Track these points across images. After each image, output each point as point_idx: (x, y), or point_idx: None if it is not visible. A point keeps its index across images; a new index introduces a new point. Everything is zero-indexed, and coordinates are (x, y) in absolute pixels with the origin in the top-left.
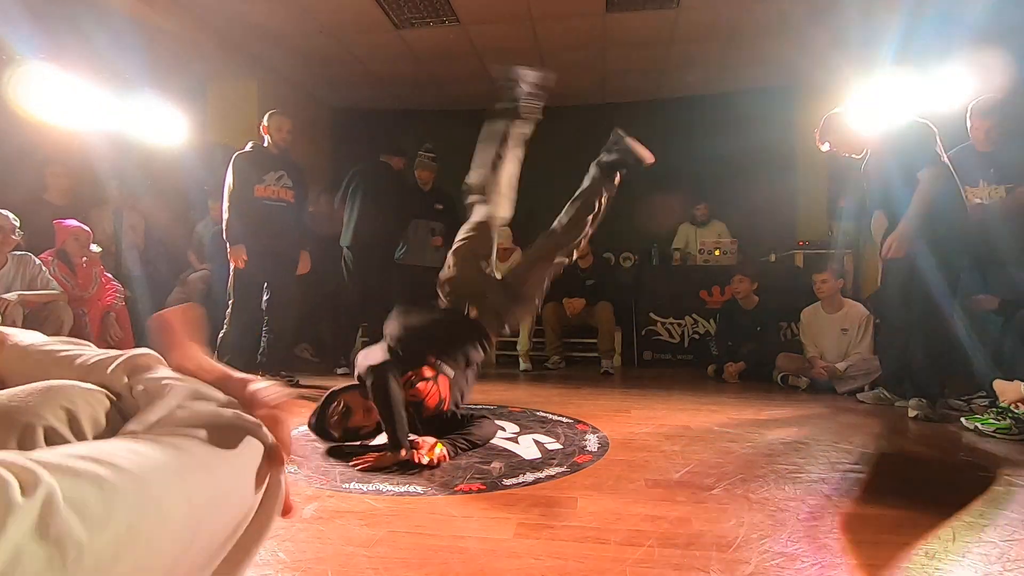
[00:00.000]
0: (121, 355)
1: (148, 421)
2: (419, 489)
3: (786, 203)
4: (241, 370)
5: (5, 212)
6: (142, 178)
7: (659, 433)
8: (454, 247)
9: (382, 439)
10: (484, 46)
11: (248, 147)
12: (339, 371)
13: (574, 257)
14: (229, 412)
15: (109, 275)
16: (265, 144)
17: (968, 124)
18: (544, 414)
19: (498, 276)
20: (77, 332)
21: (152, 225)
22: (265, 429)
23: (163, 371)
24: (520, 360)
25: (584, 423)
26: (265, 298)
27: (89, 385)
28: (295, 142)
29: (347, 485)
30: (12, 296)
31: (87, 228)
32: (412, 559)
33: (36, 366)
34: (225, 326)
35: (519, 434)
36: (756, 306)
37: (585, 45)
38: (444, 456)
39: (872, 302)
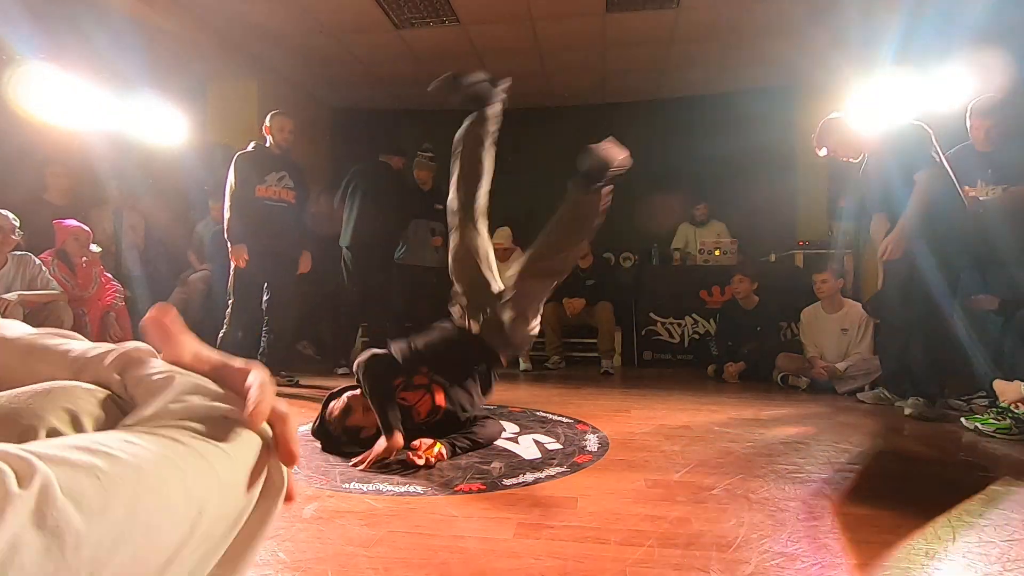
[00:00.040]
0: (113, 349)
1: (144, 415)
2: (419, 489)
3: (786, 203)
4: None
5: (5, 212)
6: (142, 178)
7: (659, 433)
8: (450, 265)
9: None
10: (484, 46)
11: (250, 147)
12: (339, 371)
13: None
14: (225, 406)
15: (109, 275)
16: (267, 144)
17: (968, 124)
18: (544, 414)
19: (498, 280)
20: (77, 332)
21: (152, 225)
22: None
23: (157, 364)
24: (520, 360)
25: (584, 423)
26: (265, 298)
27: (89, 385)
28: (296, 142)
29: (347, 485)
30: (12, 296)
31: (87, 228)
32: (412, 559)
33: (25, 359)
34: (225, 326)
35: (519, 434)
36: (756, 306)
37: (585, 45)
38: (442, 455)
39: (870, 305)
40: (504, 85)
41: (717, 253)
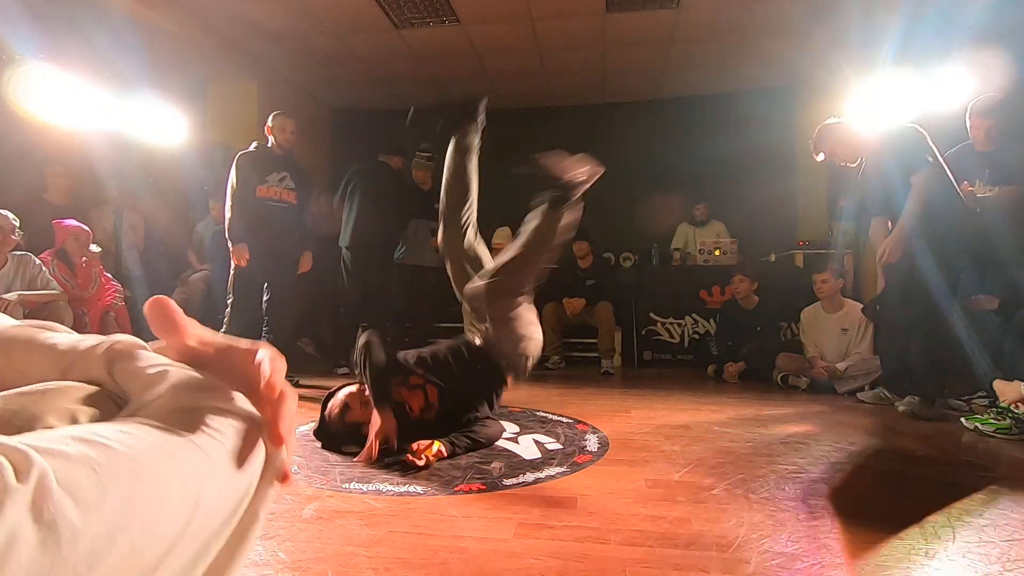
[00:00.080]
0: (101, 343)
1: (139, 407)
2: (419, 489)
3: (786, 203)
4: None
5: (5, 212)
6: (142, 178)
7: (659, 433)
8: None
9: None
10: (484, 46)
11: (252, 147)
12: (339, 371)
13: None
14: (221, 396)
15: (109, 275)
16: (269, 144)
17: (968, 124)
18: (544, 414)
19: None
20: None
21: (152, 225)
22: (257, 411)
23: (149, 357)
24: None
25: (584, 423)
26: (265, 298)
27: (84, 385)
28: (297, 142)
29: (347, 485)
30: (12, 296)
31: (87, 228)
32: (412, 559)
33: (8, 354)
34: (225, 325)
35: (519, 434)
36: (756, 306)
37: (585, 45)
38: (441, 453)
39: (869, 309)
40: (482, 103)
41: (717, 253)
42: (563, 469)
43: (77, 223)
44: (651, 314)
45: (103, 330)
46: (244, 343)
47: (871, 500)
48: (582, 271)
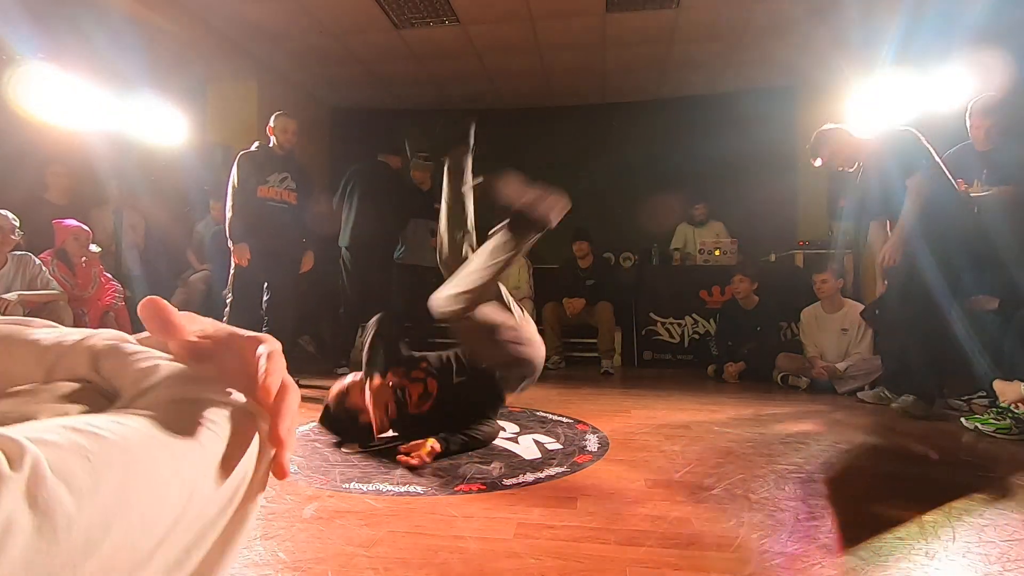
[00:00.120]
0: (86, 338)
1: (130, 400)
2: (419, 489)
3: (786, 203)
4: None
5: (5, 212)
6: (142, 178)
7: (659, 433)
8: None
9: (383, 441)
10: (484, 46)
11: (254, 147)
12: (339, 371)
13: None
14: (215, 388)
15: (108, 275)
16: (270, 145)
17: (968, 123)
18: (544, 414)
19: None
20: None
21: (152, 225)
22: (254, 403)
23: (135, 350)
24: None
25: (584, 423)
26: (265, 298)
27: (73, 383)
28: (298, 143)
29: (347, 485)
30: (12, 296)
31: (87, 228)
32: (412, 559)
33: None
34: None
35: (519, 434)
36: (756, 306)
37: (585, 45)
38: (435, 450)
39: (867, 313)
40: (471, 127)
41: (717, 253)
42: (563, 469)
43: (77, 223)
44: (651, 314)
45: None
46: (246, 333)
47: (871, 500)
48: (582, 271)
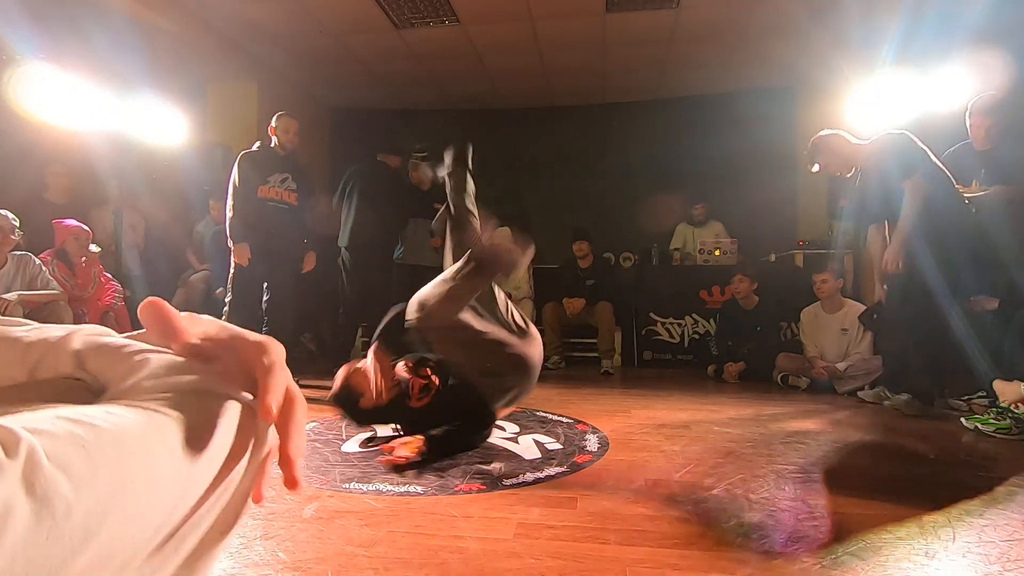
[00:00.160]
0: (69, 334)
1: (118, 393)
2: (419, 489)
3: (786, 203)
4: None
5: (5, 212)
6: (142, 178)
7: (659, 433)
8: None
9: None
10: (484, 46)
11: (255, 147)
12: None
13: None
14: (205, 379)
15: (108, 275)
16: (272, 145)
17: (968, 122)
18: (544, 414)
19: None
20: None
21: (152, 225)
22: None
23: (121, 342)
24: None
25: (584, 423)
26: (265, 298)
27: (61, 380)
28: (300, 143)
29: (347, 485)
30: (12, 296)
31: (87, 228)
32: (412, 559)
33: None
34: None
35: (519, 434)
36: (756, 306)
37: (585, 45)
38: (420, 447)
39: (865, 317)
40: (468, 152)
41: (717, 253)
42: (563, 469)
43: (77, 223)
44: (651, 314)
45: None
46: (250, 336)
47: (871, 500)
48: (582, 271)
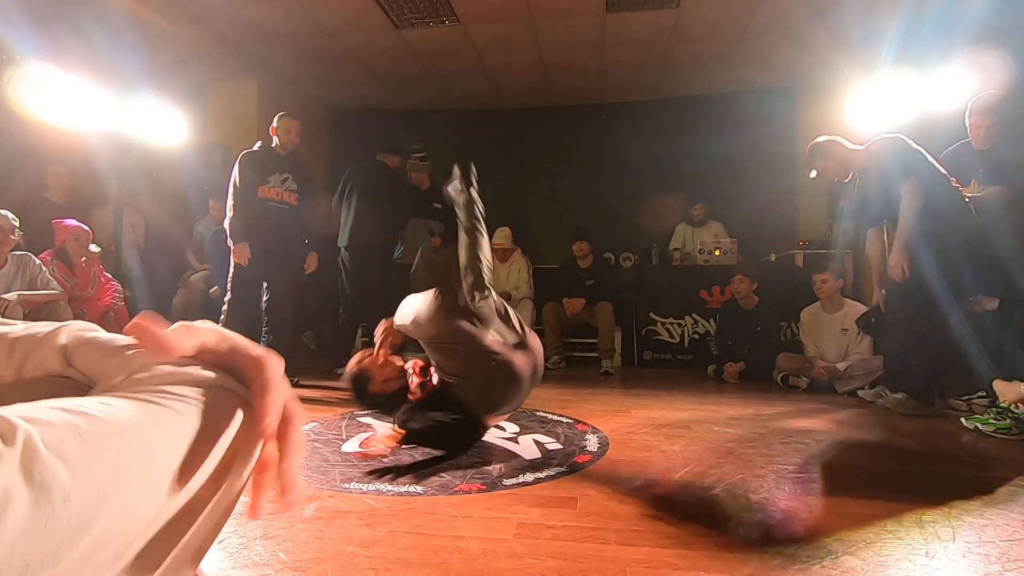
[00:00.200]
0: (56, 331)
1: (113, 384)
2: (419, 489)
3: (786, 203)
4: None
5: (5, 212)
6: (142, 178)
7: (659, 433)
8: None
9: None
10: (484, 46)
11: (256, 147)
12: (339, 371)
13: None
14: (195, 371)
15: (108, 275)
16: (273, 145)
17: (968, 122)
18: (544, 414)
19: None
20: None
21: (152, 225)
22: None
23: (108, 337)
24: None
25: (584, 423)
26: (265, 298)
27: (50, 378)
28: (301, 143)
29: (347, 485)
30: (12, 296)
31: (87, 228)
32: (412, 559)
33: None
34: (221, 323)
35: (519, 434)
36: (756, 306)
37: (585, 45)
38: (395, 438)
39: (863, 321)
40: (471, 174)
41: (717, 253)
42: (563, 469)
43: (77, 223)
44: (651, 314)
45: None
46: (248, 350)
47: (871, 500)
48: (582, 271)
